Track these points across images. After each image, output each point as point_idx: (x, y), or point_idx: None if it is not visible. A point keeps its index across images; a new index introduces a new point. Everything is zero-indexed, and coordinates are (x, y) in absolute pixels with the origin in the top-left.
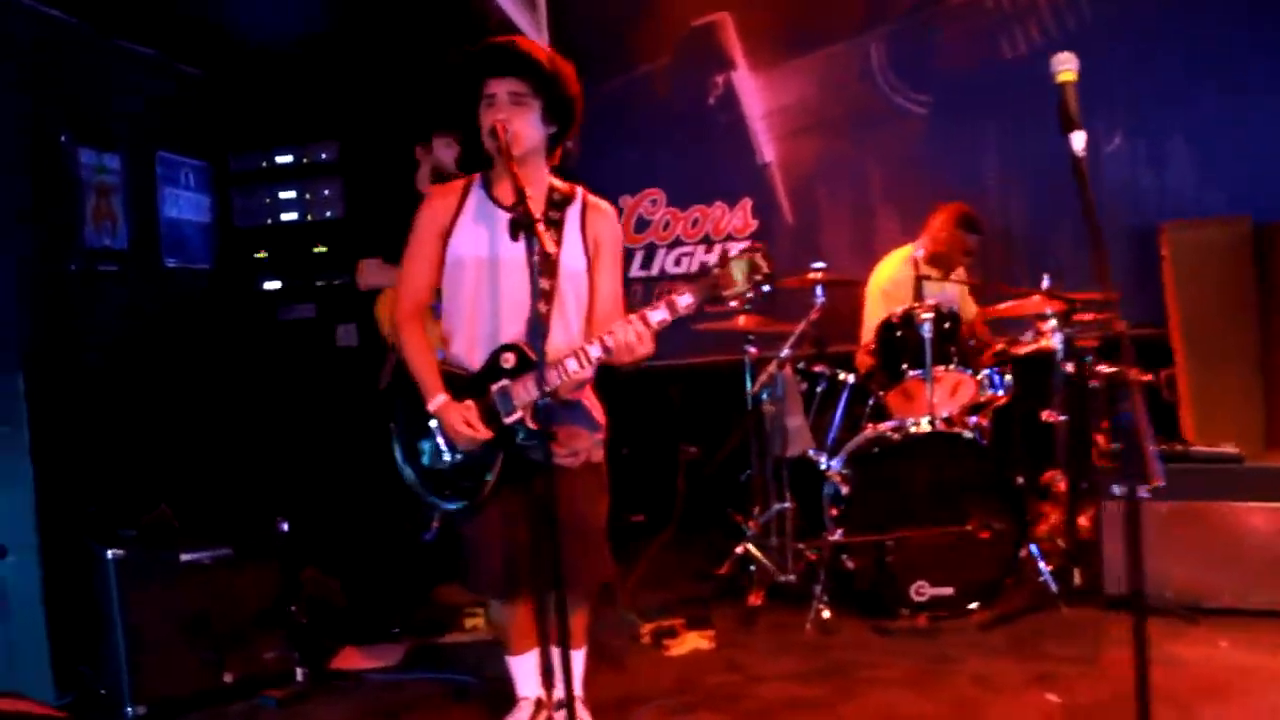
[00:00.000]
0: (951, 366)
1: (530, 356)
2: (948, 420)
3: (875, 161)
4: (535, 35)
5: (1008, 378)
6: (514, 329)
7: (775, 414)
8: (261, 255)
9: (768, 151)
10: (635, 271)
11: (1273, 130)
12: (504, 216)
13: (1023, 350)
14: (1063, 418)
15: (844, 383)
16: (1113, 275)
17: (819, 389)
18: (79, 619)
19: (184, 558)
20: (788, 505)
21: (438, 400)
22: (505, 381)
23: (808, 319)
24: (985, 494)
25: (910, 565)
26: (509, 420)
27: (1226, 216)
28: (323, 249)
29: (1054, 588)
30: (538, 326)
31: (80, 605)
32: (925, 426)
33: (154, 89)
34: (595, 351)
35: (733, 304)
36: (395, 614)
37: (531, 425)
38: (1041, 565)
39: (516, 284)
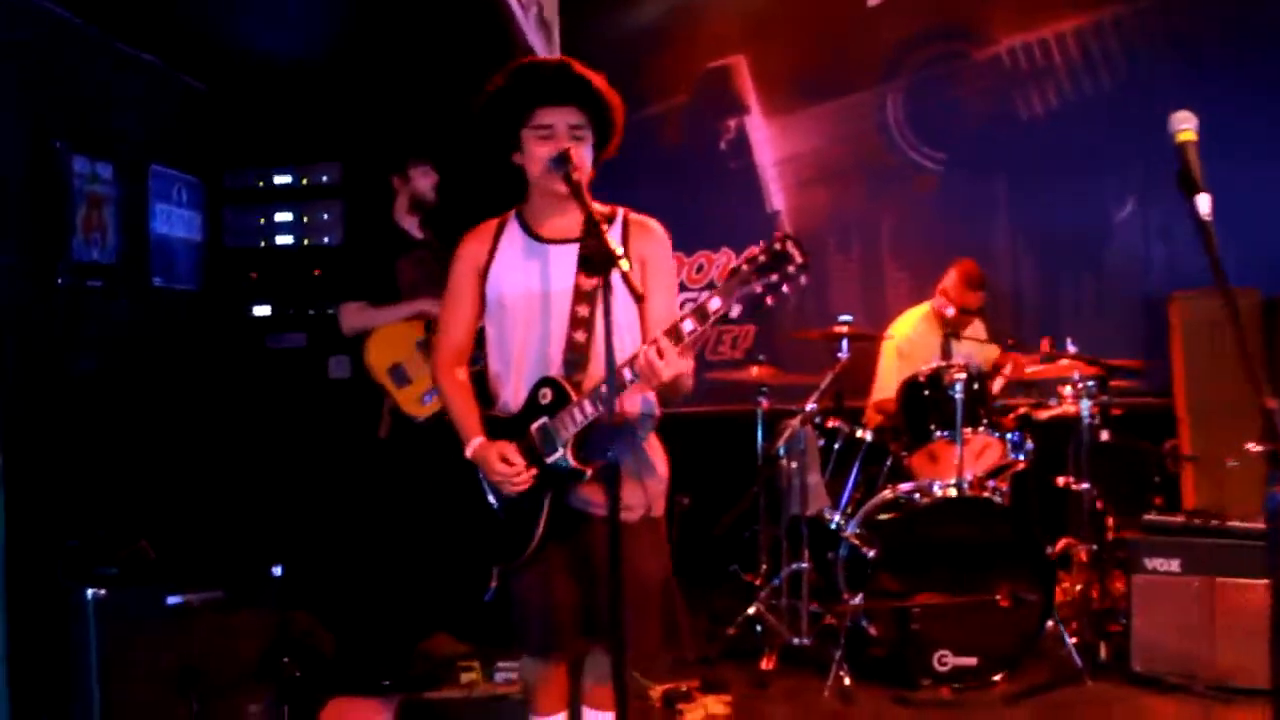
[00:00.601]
0: (980, 429)
1: (565, 389)
2: (974, 484)
3: (886, 216)
4: None
5: (1029, 443)
6: (557, 364)
7: (795, 470)
8: (252, 276)
9: (777, 199)
10: None
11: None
12: (551, 251)
13: (1046, 415)
14: (1084, 485)
15: (861, 440)
16: (1124, 343)
17: (836, 446)
18: (47, 668)
19: (171, 600)
20: (805, 566)
21: (474, 444)
22: (544, 419)
23: (834, 372)
24: (1013, 562)
25: (933, 633)
26: (551, 459)
27: (1236, 288)
28: (318, 275)
29: (1079, 661)
30: (575, 356)
31: (50, 652)
32: (952, 490)
33: (153, 98)
34: (626, 375)
35: (768, 300)
36: (385, 665)
37: (574, 463)
38: (1066, 637)
39: (561, 318)
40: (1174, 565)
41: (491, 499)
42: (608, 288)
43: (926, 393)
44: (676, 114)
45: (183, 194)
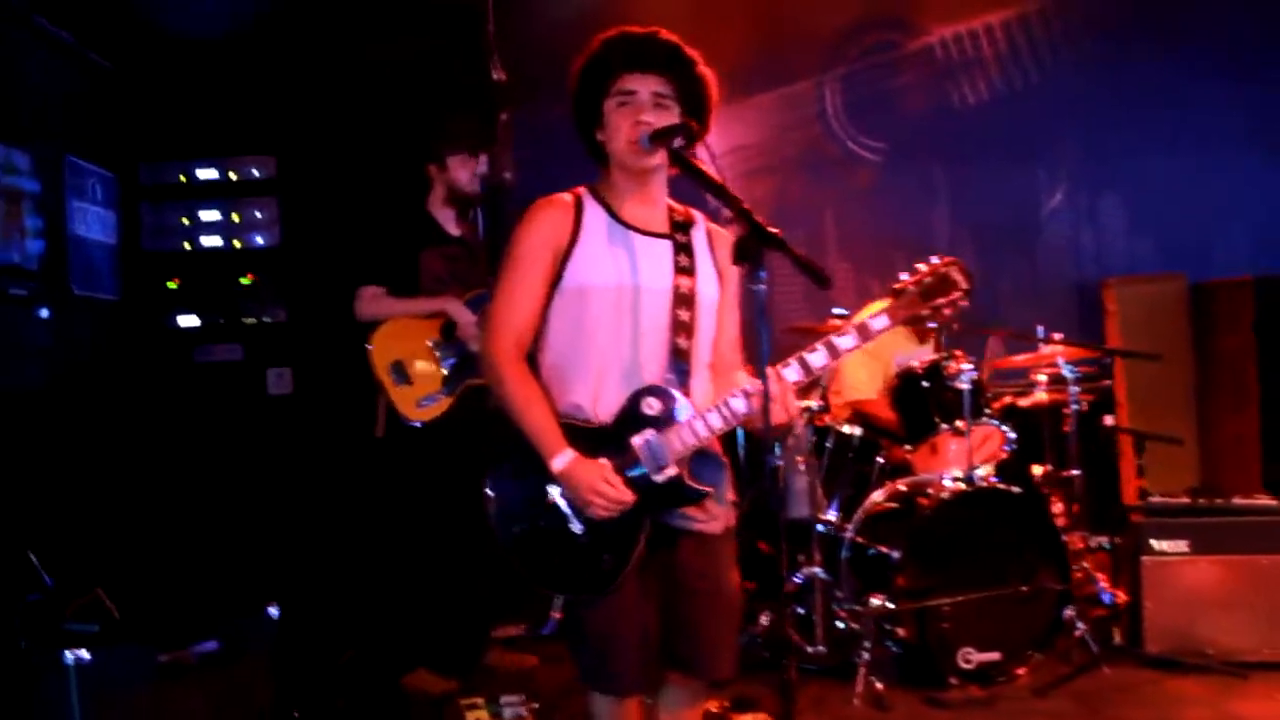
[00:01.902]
0: (983, 420)
1: (681, 401)
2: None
3: (829, 206)
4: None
5: (1012, 433)
6: (654, 370)
7: (787, 472)
8: (173, 285)
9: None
10: None
11: (1203, 191)
12: (640, 242)
13: (1028, 402)
14: (1077, 472)
15: (850, 437)
16: (1059, 328)
17: (827, 444)
18: None
19: (163, 658)
20: (818, 572)
21: (564, 457)
22: (650, 433)
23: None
24: (1031, 551)
25: (957, 631)
26: (661, 478)
27: (1164, 273)
28: (252, 280)
29: (1094, 647)
30: (680, 364)
31: None
32: (963, 483)
33: (64, 80)
34: (740, 406)
35: (929, 324)
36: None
37: (691, 483)
38: (1078, 624)
39: (657, 319)
40: (1182, 546)
41: (574, 522)
42: (757, 278)
43: (926, 384)
44: None
45: (98, 190)
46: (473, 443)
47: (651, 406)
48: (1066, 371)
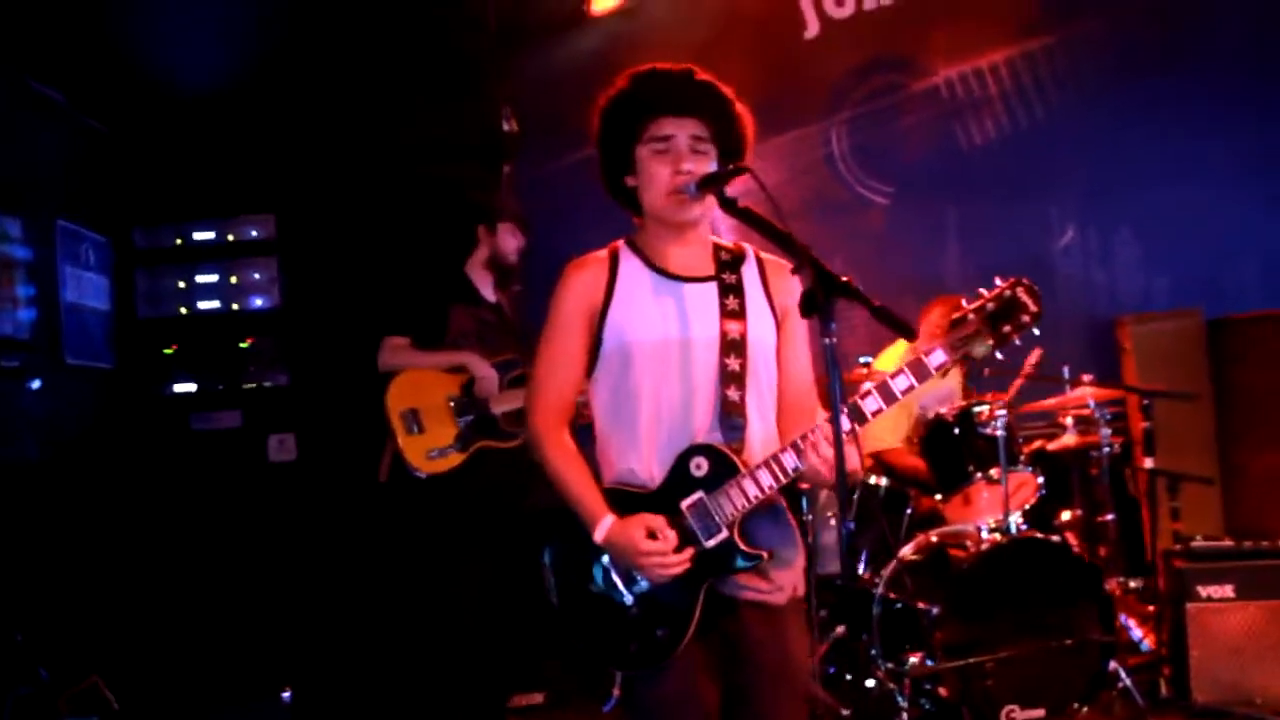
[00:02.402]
0: (1018, 468)
1: (730, 459)
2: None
3: (837, 250)
4: None
5: (1040, 478)
6: (704, 426)
7: (815, 527)
8: (170, 351)
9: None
10: None
11: (1213, 226)
12: (686, 290)
13: (1055, 446)
14: (1110, 517)
15: (875, 488)
16: (1074, 367)
17: (855, 496)
18: None
19: None
20: (841, 632)
21: (604, 525)
22: (700, 494)
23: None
24: (1075, 602)
25: (1001, 687)
26: (712, 543)
27: (1179, 309)
28: (251, 344)
29: (1140, 699)
30: (731, 419)
31: None
32: (998, 534)
33: (55, 143)
34: (791, 461)
35: (997, 354)
36: None
37: (745, 548)
38: (1124, 675)
39: (706, 371)
40: (1228, 591)
41: (623, 589)
42: (828, 326)
43: (957, 432)
44: None
45: (90, 255)
46: (479, 506)
47: (700, 467)
48: (1098, 414)
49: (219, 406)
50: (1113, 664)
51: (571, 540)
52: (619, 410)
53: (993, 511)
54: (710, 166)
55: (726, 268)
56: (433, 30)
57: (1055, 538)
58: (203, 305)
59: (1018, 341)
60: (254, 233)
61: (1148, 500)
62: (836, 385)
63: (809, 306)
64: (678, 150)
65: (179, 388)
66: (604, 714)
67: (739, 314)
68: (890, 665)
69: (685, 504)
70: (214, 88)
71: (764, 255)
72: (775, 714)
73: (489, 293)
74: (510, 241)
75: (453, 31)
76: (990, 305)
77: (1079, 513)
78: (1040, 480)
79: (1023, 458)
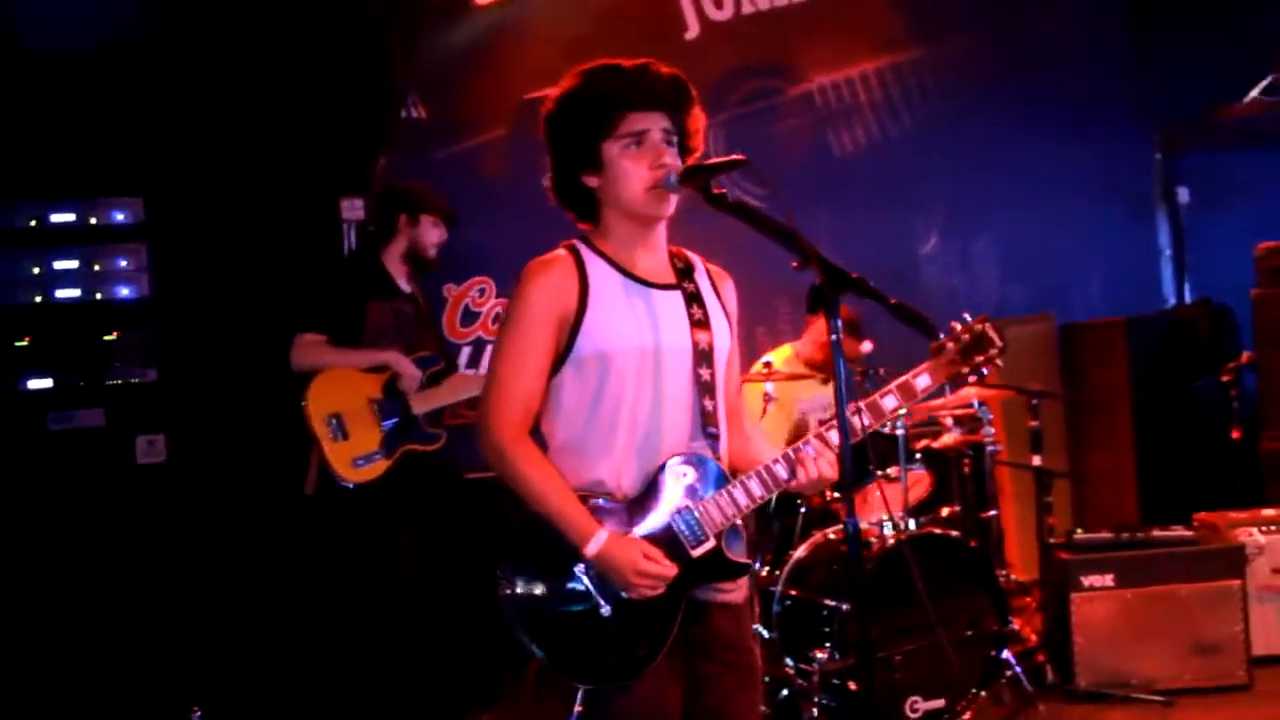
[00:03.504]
0: (914, 466)
1: (718, 469)
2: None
3: (716, 251)
4: None
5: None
6: (677, 437)
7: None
8: (22, 343)
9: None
10: (463, 370)
11: (1067, 239)
12: (656, 297)
13: (939, 444)
14: (994, 513)
15: None
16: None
17: None
18: None
19: None
20: (758, 629)
21: (599, 539)
22: (688, 503)
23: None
24: (971, 594)
25: (905, 680)
26: (699, 552)
27: (1034, 314)
28: (118, 337)
29: (1028, 685)
30: (708, 428)
31: None
32: (899, 530)
33: None
34: (783, 473)
35: (969, 381)
36: None
37: (731, 558)
38: (1013, 662)
39: (679, 381)
40: (1108, 580)
41: (604, 607)
42: (835, 323)
43: None
44: (497, 148)
45: None
46: (411, 510)
47: (685, 475)
48: (981, 413)
49: (80, 405)
50: (1008, 653)
51: (540, 554)
52: (590, 418)
53: (885, 508)
54: (678, 162)
55: (684, 275)
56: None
57: (953, 533)
58: (61, 294)
59: (984, 372)
60: (120, 216)
61: (1036, 496)
62: (842, 381)
63: (817, 302)
64: (654, 145)
65: (34, 384)
66: None
67: (704, 324)
68: (798, 663)
69: (672, 511)
70: (78, 49)
71: (711, 265)
72: (741, 712)
73: (405, 284)
74: (432, 234)
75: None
76: (966, 338)
77: (957, 508)
78: (932, 477)
79: (918, 456)
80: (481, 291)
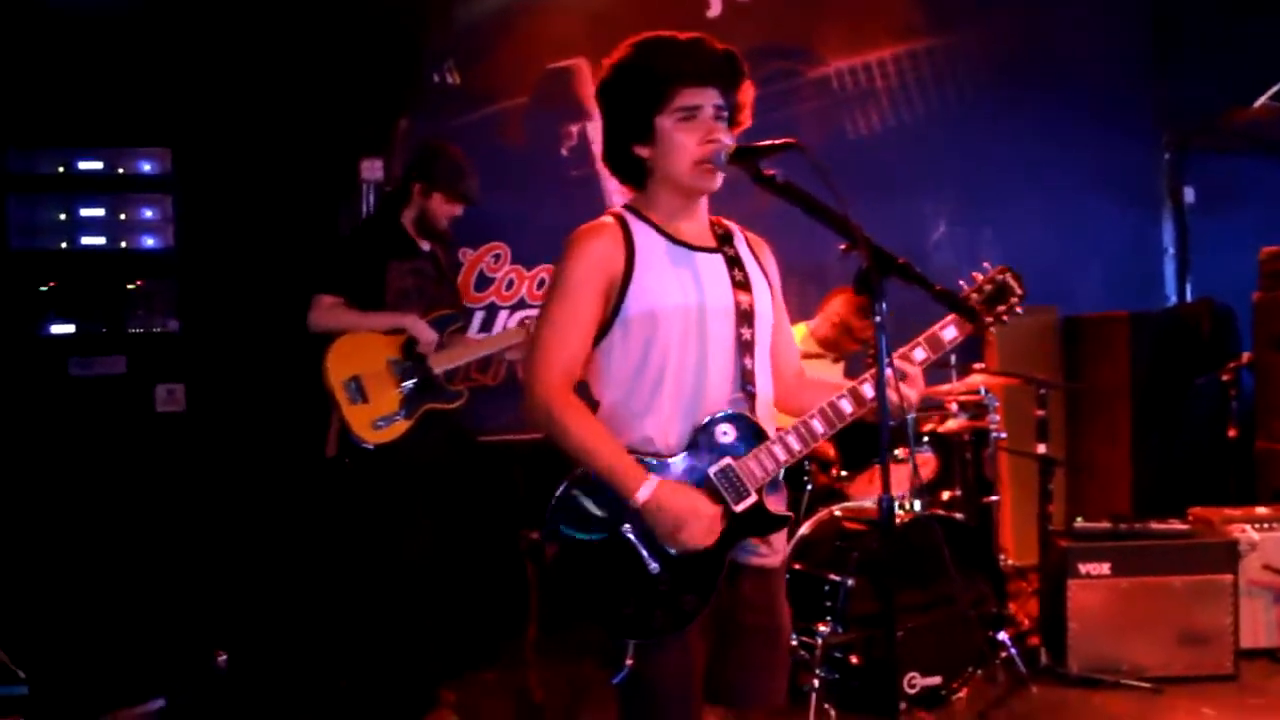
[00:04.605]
0: (922, 448)
1: (757, 426)
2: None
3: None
4: None
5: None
6: (720, 394)
7: None
8: (46, 288)
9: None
10: (475, 335)
11: (1069, 232)
12: (699, 260)
13: (944, 429)
14: (995, 498)
15: None
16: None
17: None
18: None
19: None
20: None
21: (649, 486)
22: (728, 460)
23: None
24: (971, 574)
25: (905, 656)
26: (741, 507)
27: (1038, 306)
28: (140, 286)
29: (1022, 668)
30: (747, 386)
31: None
32: (906, 510)
33: None
34: (819, 427)
35: (991, 331)
36: None
37: (772, 510)
38: (1009, 644)
39: (722, 340)
40: (1105, 569)
41: (651, 562)
42: (880, 306)
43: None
44: (517, 116)
45: None
46: (430, 471)
47: (726, 433)
48: (988, 400)
49: (101, 351)
50: (1004, 634)
51: (582, 514)
52: (638, 377)
53: (896, 488)
54: (729, 138)
55: (724, 241)
56: None
57: (957, 515)
58: (86, 241)
59: (1006, 320)
60: (147, 167)
61: (1040, 483)
62: (883, 365)
63: (862, 286)
64: (705, 119)
65: (56, 329)
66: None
67: (746, 285)
68: (800, 636)
69: (714, 469)
70: (111, 3)
71: (747, 231)
72: (769, 670)
73: (424, 244)
74: (443, 209)
75: None
76: (988, 288)
77: (958, 492)
78: (938, 460)
79: (926, 439)
80: (496, 258)
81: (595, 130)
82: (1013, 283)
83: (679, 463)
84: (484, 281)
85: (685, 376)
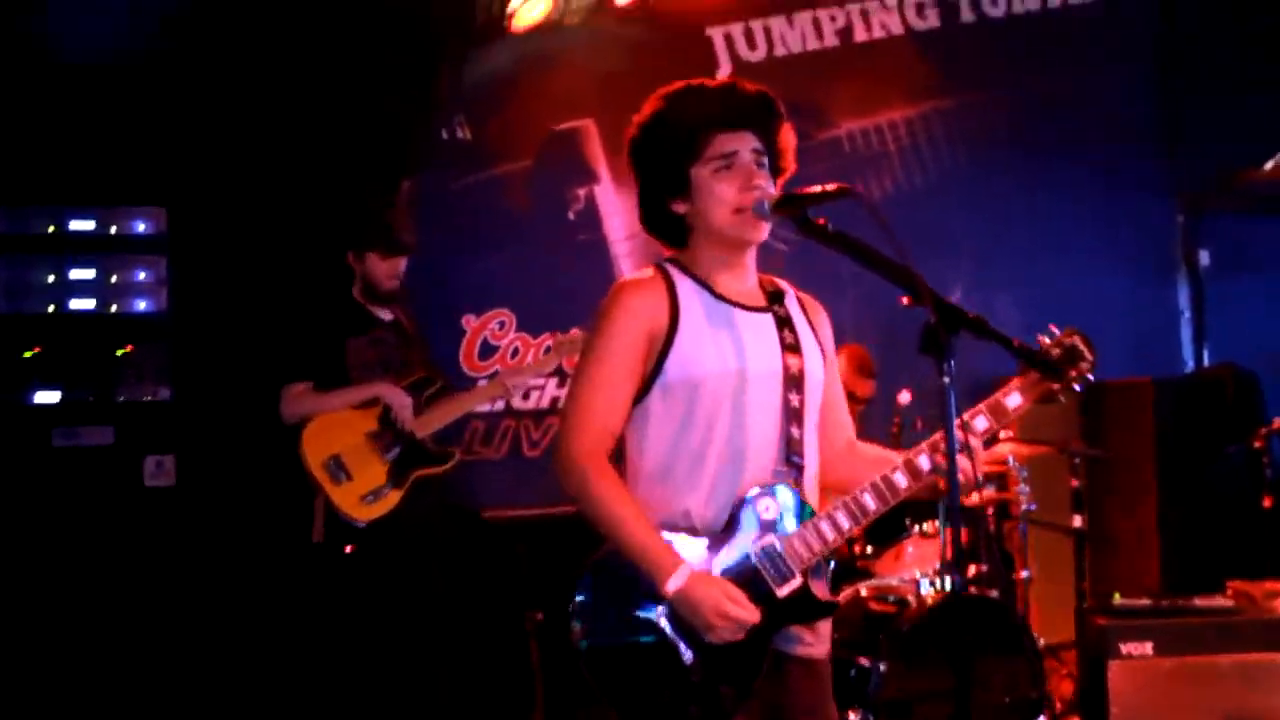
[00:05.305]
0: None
1: (804, 501)
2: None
3: None
4: None
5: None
6: (763, 465)
7: None
8: (30, 354)
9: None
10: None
11: (1089, 297)
12: (746, 320)
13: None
14: (1025, 574)
15: None
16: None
17: None
18: None
19: None
20: None
21: (681, 575)
22: (771, 538)
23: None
24: (1009, 658)
25: None
26: (785, 591)
27: None
28: (130, 352)
29: None
30: (794, 457)
31: None
32: (938, 589)
33: None
34: (871, 504)
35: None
36: None
37: (818, 596)
38: None
39: (768, 406)
40: (1147, 649)
41: (685, 651)
42: (948, 366)
43: None
44: (523, 179)
45: None
46: (428, 541)
47: (769, 509)
48: (1018, 471)
49: (88, 421)
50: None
51: (616, 591)
52: (677, 445)
53: (920, 565)
54: (770, 185)
55: (775, 300)
56: (364, 20)
57: (993, 594)
58: (75, 305)
59: (1077, 388)
60: (141, 226)
61: (1075, 558)
62: (952, 429)
63: (929, 343)
64: (744, 166)
65: (40, 397)
66: None
67: (796, 348)
68: None
69: (756, 548)
70: (108, 56)
71: (800, 292)
72: None
73: (383, 313)
74: (381, 268)
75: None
76: (1055, 352)
77: (984, 567)
78: (966, 534)
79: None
80: (501, 325)
81: (603, 194)
82: (1083, 346)
83: (718, 541)
84: (488, 349)
85: (728, 446)
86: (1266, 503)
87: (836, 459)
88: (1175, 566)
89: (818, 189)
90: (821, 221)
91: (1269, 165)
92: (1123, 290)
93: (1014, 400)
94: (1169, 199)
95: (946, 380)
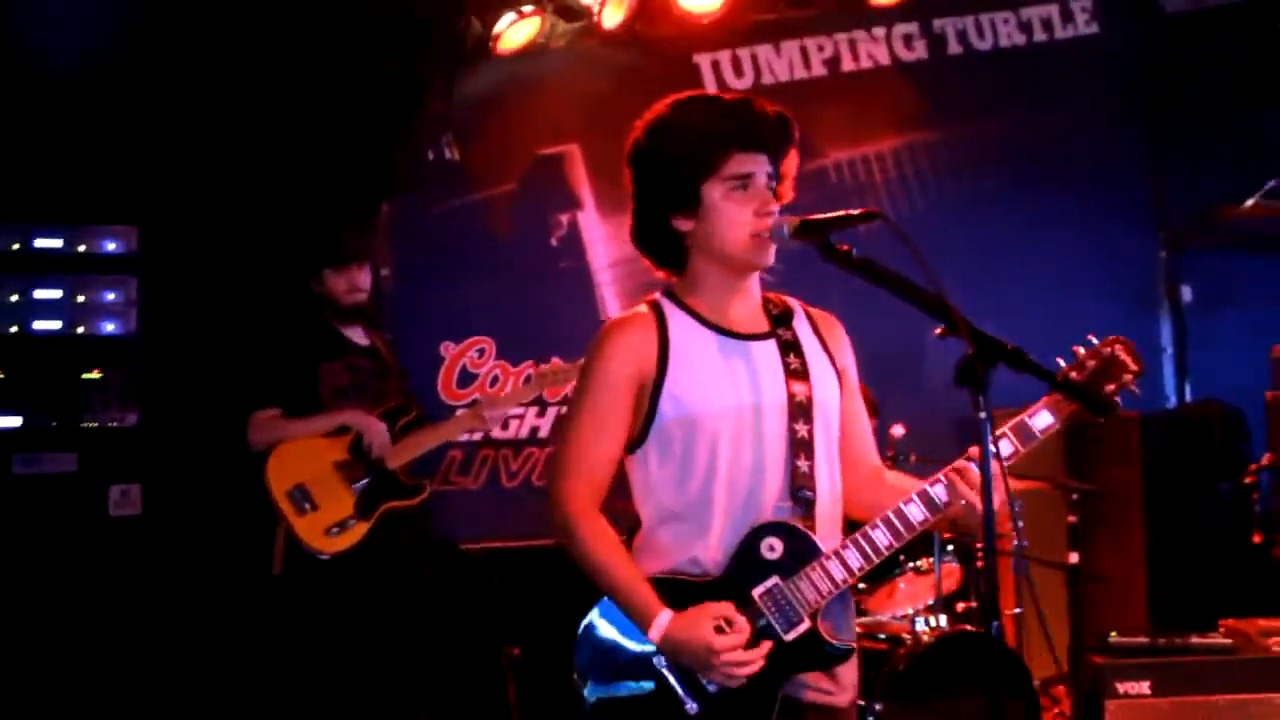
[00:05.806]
0: (947, 558)
1: (810, 539)
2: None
3: None
4: None
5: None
6: (770, 502)
7: None
8: None
9: (611, 306)
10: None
11: (1071, 332)
12: (751, 349)
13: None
14: (1017, 610)
15: None
16: (948, 458)
17: None
18: None
19: None
20: None
21: (661, 621)
22: (775, 580)
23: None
24: (1004, 696)
25: None
26: (793, 635)
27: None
28: (98, 377)
29: None
30: (801, 492)
31: None
32: (931, 627)
33: None
34: (883, 540)
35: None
36: None
37: (830, 639)
38: None
39: (774, 440)
40: (1144, 688)
41: (689, 702)
42: (985, 399)
43: None
44: (505, 204)
45: None
46: (394, 579)
47: (774, 549)
48: (1014, 506)
49: (50, 447)
50: None
51: (616, 641)
52: (680, 490)
53: (912, 601)
54: (777, 209)
55: (779, 322)
56: (347, 40)
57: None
58: (39, 325)
59: (1119, 402)
60: (110, 245)
61: (1069, 596)
62: (989, 463)
63: (966, 376)
64: (759, 190)
65: (1, 421)
66: None
67: (802, 374)
68: None
69: (758, 591)
70: (79, 69)
71: (812, 308)
72: None
73: (359, 338)
74: (339, 283)
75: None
76: (1092, 364)
77: (974, 604)
78: (961, 570)
79: (950, 548)
80: (480, 352)
81: (587, 220)
82: (1124, 356)
83: (720, 587)
84: (467, 378)
85: (731, 485)
86: (1256, 539)
87: (860, 487)
88: (1162, 602)
89: (841, 213)
90: (845, 248)
91: (1251, 201)
92: (1105, 324)
93: (1043, 420)
94: (1152, 234)
95: (983, 415)
